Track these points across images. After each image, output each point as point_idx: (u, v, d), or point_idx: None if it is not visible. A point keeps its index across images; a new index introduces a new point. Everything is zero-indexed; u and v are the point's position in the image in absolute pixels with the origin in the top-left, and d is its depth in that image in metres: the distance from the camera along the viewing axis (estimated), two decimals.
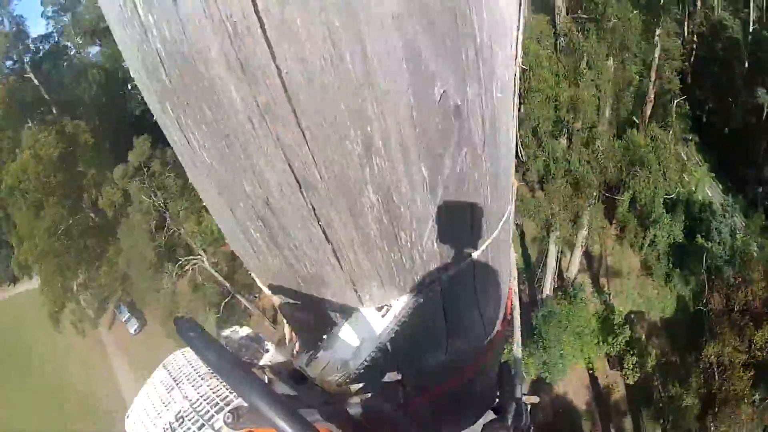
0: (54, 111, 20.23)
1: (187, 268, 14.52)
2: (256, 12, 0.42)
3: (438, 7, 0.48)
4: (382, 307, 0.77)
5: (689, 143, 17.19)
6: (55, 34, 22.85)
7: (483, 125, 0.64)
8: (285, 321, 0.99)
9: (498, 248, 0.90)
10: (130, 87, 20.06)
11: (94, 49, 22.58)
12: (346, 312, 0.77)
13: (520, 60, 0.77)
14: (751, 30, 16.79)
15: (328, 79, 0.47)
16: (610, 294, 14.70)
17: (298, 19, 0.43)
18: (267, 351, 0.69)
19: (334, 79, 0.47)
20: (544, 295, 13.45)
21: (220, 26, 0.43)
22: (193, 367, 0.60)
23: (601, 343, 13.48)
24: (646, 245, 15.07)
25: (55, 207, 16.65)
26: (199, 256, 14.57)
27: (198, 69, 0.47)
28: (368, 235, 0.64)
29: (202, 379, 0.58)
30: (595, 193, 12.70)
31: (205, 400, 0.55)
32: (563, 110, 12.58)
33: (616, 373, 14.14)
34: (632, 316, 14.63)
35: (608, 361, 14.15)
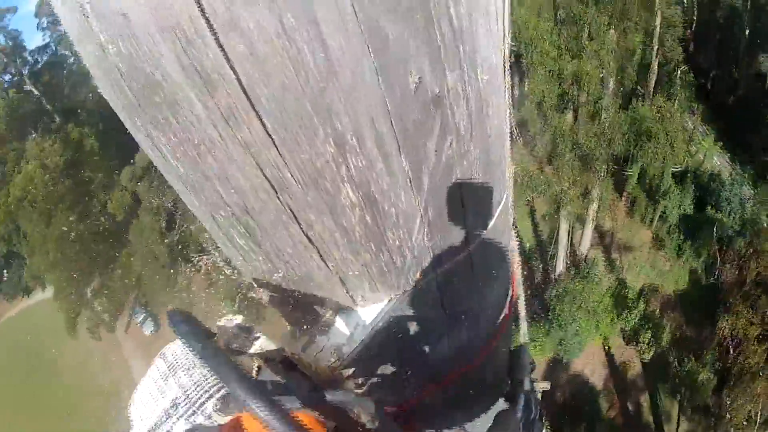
0: (57, 119, 20.37)
1: (200, 265, 14.62)
2: (203, 15, 0.41)
3: None
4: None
5: (695, 112, 16.98)
6: (52, 44, 22.99)
7: (469, 111, 0.61)
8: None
9: (497, 235, 0.88)
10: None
11: None
12: (340, 310, 0.77)
13: (508, 38, 0.72)
14: None
15: (287, 77, 0.45)
16: (623, 268, 14.64)
17: (246, 16, 0.41)
18: (257, 339, 0.70)
19: (293, 76, 0.45)
20: (557, 273, 13.41)
21: (171, 34, 0.42)
22: (187, 356, 0.62)
23: (615, 319, 13.44)
24: (656, 218, 14.96)
25: (65, 214, 16.79)
26: (212, 253, 14.65)
27: (157, 80, 0.46)
28: (353, 236, 0.63)
29: (195, 367, 0.60)
30: (603, 167, 12.60)
31: (197, 387, 0.57)
32: (567, 84, 12.46)
33: (631, 350, 14.10)
34: (645, 290, 14.57)
35: (624, 337, 14.12)
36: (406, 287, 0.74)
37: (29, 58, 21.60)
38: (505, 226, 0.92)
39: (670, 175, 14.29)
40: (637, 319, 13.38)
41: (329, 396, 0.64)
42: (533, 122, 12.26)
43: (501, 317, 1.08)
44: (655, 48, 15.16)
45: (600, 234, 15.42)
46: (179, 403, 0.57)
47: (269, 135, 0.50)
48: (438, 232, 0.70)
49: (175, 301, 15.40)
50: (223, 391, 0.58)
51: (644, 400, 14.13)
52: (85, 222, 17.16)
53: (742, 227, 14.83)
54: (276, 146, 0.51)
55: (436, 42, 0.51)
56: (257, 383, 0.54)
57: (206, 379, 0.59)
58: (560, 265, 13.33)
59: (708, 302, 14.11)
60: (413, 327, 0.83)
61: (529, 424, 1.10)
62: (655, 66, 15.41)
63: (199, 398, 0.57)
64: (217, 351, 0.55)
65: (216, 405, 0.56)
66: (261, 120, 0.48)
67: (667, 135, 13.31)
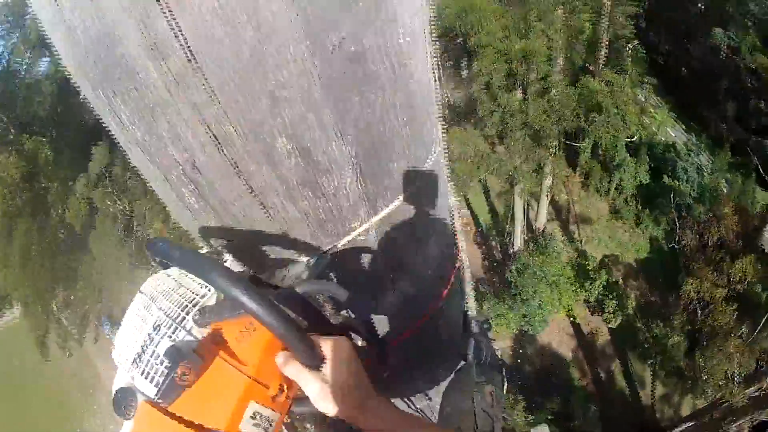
0: (12, 131, 19.79)
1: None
2: None
3: None
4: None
5: (646, 86, 17.33)
6: (6, 55, 22.32)
7: (392, 70, 0.67)
8: None
9: (430, 188, 0.94)
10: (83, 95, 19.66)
11: (45, 62, 22.10)
12: (286, 263, 0.83)
13: (429, 7, 0.79)
14: None
15: (228, 41, 0.53)
16: (581, 241, 14.89)
17: None
18: (225, 261, 0.77)
19: (233, 40, 0.53)
20: (515, 249, 13.57)
21: (132, 12, 0.50)
22: (165, 283, 0.65)
23: (578, 289, 13.66)
24: (612, 189, 15.24)
25: (25, 228, 16.35)
26: None
27: (119, 52, 0.55)
28: (289, 183, 0.69)
29: (173, 290, 0.63)
30: (555, 143, 12.78)
31: (176, 306, 0.61)
32: (515, 63, 12.60)
33: (597, 319, 14.35)
34: (606, 260, 14.84)
35: (588, 307, 14.37)
36: (344, 235, 0.80)
37: None
38: (438, 178, 0.97)
39: (624, 147, 14.56)
40: (600, 289, 13.60)
41: (299, 289, 0.70)
42: (482, 102, 12.37)
43: (446, 271, 1.12)
44: (605, 25, 15.41)
45: (557, 209, 15.64)
46: (161, 325, 0.59)
47: (214, 94, 0.57)
48: (370, 180, 0.76)
49: None
50: (200, 304, 0.60)
51: (615, 366, 14.39)
52: (45, 234, 16.75)
53: (701, 194, 15.22)
54: (219, 103, 0.58)
55: (357, 8, 0.58)
56: (238, 275, 0.57)
57: (184, 297, 0.61)
58: (518, 242, 13.49)
59: (670, 269, 14.43)
60: (358, 276, 0.89)
61: (482, 367, 1.14)
62: (605, 42, 15.68)
63: (179, 315, 0.59)
64: (197, 253, 0.62)
65: (195, 315, 0.58)
66: (205, 80, 0.56)
67: (617, 108, 13.57)
